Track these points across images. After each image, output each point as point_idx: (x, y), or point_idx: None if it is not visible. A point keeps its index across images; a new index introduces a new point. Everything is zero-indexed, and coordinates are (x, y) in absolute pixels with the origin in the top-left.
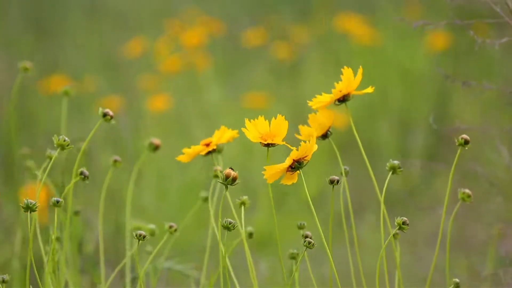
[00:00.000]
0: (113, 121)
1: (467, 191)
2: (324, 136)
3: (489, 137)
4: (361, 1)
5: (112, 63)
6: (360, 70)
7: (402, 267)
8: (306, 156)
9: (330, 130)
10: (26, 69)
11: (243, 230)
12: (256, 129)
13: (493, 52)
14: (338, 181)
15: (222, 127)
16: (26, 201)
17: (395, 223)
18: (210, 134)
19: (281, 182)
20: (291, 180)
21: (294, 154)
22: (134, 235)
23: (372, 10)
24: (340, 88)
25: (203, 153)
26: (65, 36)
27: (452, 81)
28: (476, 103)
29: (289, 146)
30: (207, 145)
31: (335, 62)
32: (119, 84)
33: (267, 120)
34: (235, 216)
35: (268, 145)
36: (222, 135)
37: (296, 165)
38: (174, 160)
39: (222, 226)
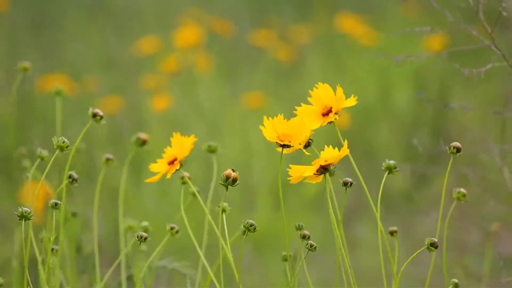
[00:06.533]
0: (103, 121)
1: (462, 190)
2: (307, 145)
3: (484, 139)
4: (362, 1)
5: (113, 62)
6: (340, 89)
7: (400, 268)
8: (334, 162)
9: (311, 139)
10: (26, 69)
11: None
12: (274, 128)
13: (492, 52)
14: (351, 184)
15: (176, 135)
16: (20, 210)
17: (425, 243)
18: (210, 133)
19: (306, 181)
20: (315, 180)
21: (321, 161)
22: (136, 236)
23: (372, 10)
24: (327, 106)
25: (169, 176)
26: (65, 34)
27: (434, 105)
28: (476, 103)
29: (305, 152)
30: (172, 162)
31: (336, 62)
32: (120, 84)
33: (286, 120)
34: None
35: (284, 146)
36: (183, 147)
37: (322, 171)
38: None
39: (244, 227)
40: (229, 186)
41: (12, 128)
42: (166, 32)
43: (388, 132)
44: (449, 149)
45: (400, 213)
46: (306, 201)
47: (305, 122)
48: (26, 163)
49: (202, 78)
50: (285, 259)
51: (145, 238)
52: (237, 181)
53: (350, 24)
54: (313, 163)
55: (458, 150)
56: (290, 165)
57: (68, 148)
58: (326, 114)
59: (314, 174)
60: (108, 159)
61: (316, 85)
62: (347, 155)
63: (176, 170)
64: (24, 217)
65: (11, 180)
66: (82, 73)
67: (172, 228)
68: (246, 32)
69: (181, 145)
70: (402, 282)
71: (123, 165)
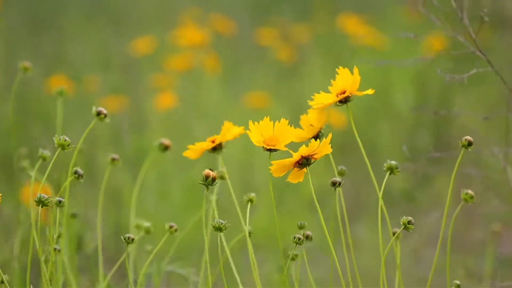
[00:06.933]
0: (107, 120)
1: (469, 192)
2: (315, 137)
3: (487, 139)
4: (361, 1)
5: (113, 62)
6: (356, 70)
7: (402, 267)
8: (315, 154)
9: (321, 131)
10: (26, 69)
11: (246, 228)
12: (259, 132)
13: (493, 52)
14: (340, 183)
15: (227, 123)
16: (39, 195)
17: (401, 223)
18: (211, 134)
19: (287, 180)
20: (297, 178)
21: (303, 150)
22: (123, 238)
23: (372, 10)
24: (343, 89)
25: (209, 148)
26: (65, 34)
27: (425, 112)
28: (478, 103)
29: (292, 152)
30: (213, 141)
31: (336, 62)
32: (120, 84)
33: (271, 122)
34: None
35: (270, 150)
36: (228, 132)
37: (304, 162)
38: (175, 160)
39: (213, 227)
40: (235, 187)
41: (13, 129)
42: (166, 32)
43: (389, 132)
44: (461, 142)
45: (401, 213)
46: (305, 201)
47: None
48: (25, 163)
49: (203, 77)
50: (292, 258)
51: (132, 240)
52: (216, 181)
53: (351, 24)
54: (295, 154)
55: (470, 143)
56: (272, 162)
57: (69, 147)
58: (340, 94)
59: (296, 167)
60: (113, 159)
61: (337, 70)
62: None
63: (216, 148)
64: (41, 202)
65: (12, 180)
66: (82, 73)
67: (171, 227)
68: (246, 32)
69: (228, 129)
70: (403, 281)
71: (129, 170)
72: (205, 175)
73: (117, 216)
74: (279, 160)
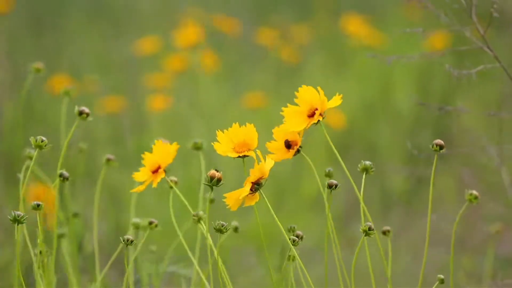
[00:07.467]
0: (90, 119)
1: (474, 192)
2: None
3: (486, 138)
4: (362, 1)
5: (113, 62)
6: (321, 91)
7: (403, 267)
8: (263, 176)
9: (300, 146)
10: (38, 70)
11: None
12: (229, 139)
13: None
14: (336, 186)
15: (158, 142)
16: (13, 214)
17: (361, 230)
18: (210, 133)
19: (244, 205)
20: (253, 200)
21: (252, 178)
22: (122, 240)
23: (373, 10)
24: (312, 108)
25: (155, 185)
26: (66, 35)
27: (427, 108)
28: (480, 101)
29: (261, 157)
30: (156, 171)
31: (336, 62)
32: (121, 84)
33: (241, 128)
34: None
35: (240, 156)
36: (167, 154)
37: (256, 187)
38: (174, 159)
39: (214, 228)
40: (233, 186)
41: (19, 129)
42: (167, 32)
43: (390, 132)
44: (432, 147)
45: (402, 212)
46: (305, 201)
47: (289, 125)
48: (30, 164)
49: (203, 77)
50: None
51: (132, 241)
52: (221, 181)
53: (351, 24)
54: (244, 183)
55: (441, 147)
56: (224, 195)
57: (47, 147)
58: (311, 115)
59: (249, 194)
60: (108, 160)
61: (301, 87)
62: (336, 155)
63: (162, 178)
64: (17, 221)
65: (13, 180)
66: (82, 73)
67: (151, 223)
68: (247, 32)
69: (164, 152)
70: (404, 281)
71: (129, 169)
72: (210, 176)
73: (116, 215)
74: (231, 194)
